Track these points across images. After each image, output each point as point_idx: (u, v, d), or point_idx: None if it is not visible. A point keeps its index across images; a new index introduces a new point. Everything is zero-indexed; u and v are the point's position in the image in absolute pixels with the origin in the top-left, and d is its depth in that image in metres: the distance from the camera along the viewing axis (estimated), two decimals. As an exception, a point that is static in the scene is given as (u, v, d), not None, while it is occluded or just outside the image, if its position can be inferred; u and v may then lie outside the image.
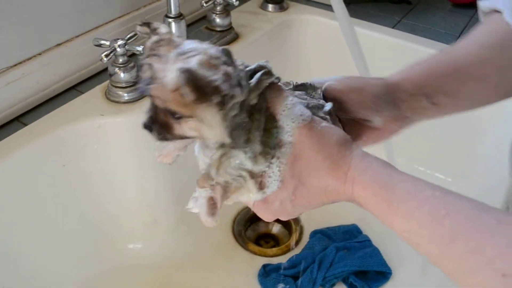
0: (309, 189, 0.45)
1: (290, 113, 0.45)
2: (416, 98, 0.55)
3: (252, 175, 0.45)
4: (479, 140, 1.03)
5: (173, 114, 0.41)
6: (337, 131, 0.46)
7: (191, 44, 0.41)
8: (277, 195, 0.46)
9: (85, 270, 0.89)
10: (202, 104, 0.39)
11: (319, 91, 0.51)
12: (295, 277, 0.91)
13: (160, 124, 0.42)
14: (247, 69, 0.44)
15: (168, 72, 0.39)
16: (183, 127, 0.42)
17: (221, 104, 0.40)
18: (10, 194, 0.77)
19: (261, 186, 0.46)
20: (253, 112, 0.44)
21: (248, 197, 0.46)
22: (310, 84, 0.50)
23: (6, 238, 0.78)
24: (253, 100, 0.43)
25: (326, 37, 1.14)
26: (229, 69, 0.40)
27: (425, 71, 0.56)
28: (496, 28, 0.55)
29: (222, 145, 0.44)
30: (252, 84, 0.43)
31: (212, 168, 0.45)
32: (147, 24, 0.43)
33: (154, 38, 0.42)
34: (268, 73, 0.45)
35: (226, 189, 0.46)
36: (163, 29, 0.42)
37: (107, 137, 0.85)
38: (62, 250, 0.86)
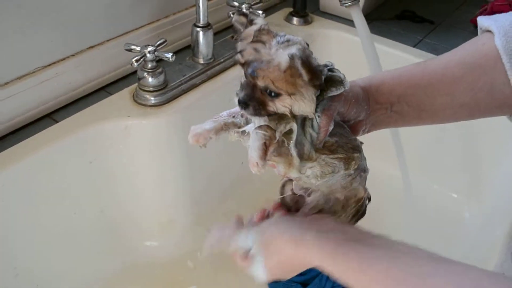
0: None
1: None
2: (381, 106, 0.57)
3: (301, 155, 0.51)
4: (494, 162, 1.05)
5: (271, 93, 0.47)
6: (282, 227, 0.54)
7: (287, 35, 0.48)
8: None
9: (101, 265, 0.92)
10: (309, 84, 0.46)
11: None
12: (304, 284, 0.93)
13: (257, 101, 0.48)
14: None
15: (278, 55, 0.46)
16: (277, 104, 0.48)
17: (319, 86, 0.48)
18: (39, 186, 0.81)
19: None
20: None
21: (285, 170, 0.51)
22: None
23: (30, 229, 0.81)
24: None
25: (348, 52, 1.16)
26: (316, 58, 0.48)
27: (395, 79, 0.58)
28: (481, 49, 0.56)
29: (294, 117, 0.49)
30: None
31: (280, 128, 0.50)
32: (244, 14, 0.50)
33: (256, 26, 0.48)
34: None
35: (278, 147, 0.50)
36: (260, 20, 0.49)
37: (132, 138, 0.88)
38: (81, 244, 0.90)
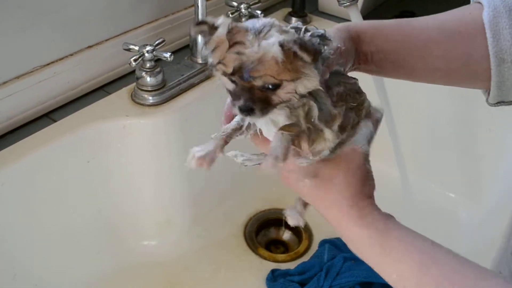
0: (318, 192, 0.50)
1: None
2: (364, 54, 0.56)
3: (327, 122, 0.48)
4: (492, 162, 1.05)
5: (270, 87, 0.44)
6: (369, 176, 0.50)
7: (256, 22, 0.44)
8: (300, 171, 0.49)
9: (99, 264, 0.92)
10: (312, 63, 0.43)
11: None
12: (302, 284, 0.94)
13: (260, 101, 0.44)
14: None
15: (267, 48, 0.42)
16: (280, 94, 0.44)
17: (317, 58, 0.44)
18: (37, 186, 0.81)
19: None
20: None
21: (325, 145, 0.49)
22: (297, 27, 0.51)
23: (28, 228, 0.81)
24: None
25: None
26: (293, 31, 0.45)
27: (376, 31, 0.56)
28: (466, 18, 0.55)
29: (303, 97, 0.46)
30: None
31: (300, 114, 0.47)
32: (203, 22, 0.45)
33: (222, 30, 0.44)
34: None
35: (309, 137, 0.48)
36: (222, 20, 0.44)
37: (130, 138, 0.89)
38: (78, 243, 0.89)
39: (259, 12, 1.04)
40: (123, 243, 0.96)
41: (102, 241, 0.93)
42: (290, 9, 1.23)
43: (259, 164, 0.55)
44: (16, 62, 0.83)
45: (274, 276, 0.96)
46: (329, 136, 0.48)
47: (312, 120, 0.47)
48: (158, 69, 0.89)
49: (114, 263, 0.94)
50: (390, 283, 0.45)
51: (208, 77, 0.98)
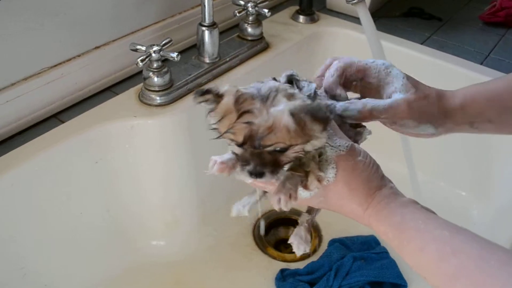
0: (332, 207, 0.51)
1: (330, 141, 0.49)
2: (459, 120, 0.58)
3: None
4: (502, 160, 1.04)
5: (280, 150, 0.44)
6: (368, 169, 0.49)
7: (262, 87, 0.45)
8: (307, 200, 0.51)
9: (108, 264, 0.92)
10: (323, 130, 0.44)
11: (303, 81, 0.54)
12: (312, 283, 0.93)
13: (271, 164, 0.45)
14: (283, 82, 0.49)
15: (277, 117, 0.42)
16: (289, 155, 0.45)
17: (326, 127, 0.45)
18: (45, 186, 0.81)
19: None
20: None
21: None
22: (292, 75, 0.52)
23: (37, 229, 0.82)
24: None
25: (355, 50, 1.15)
26: (298, 92, 0.46)
27: (481, 95, 0.58)
28: None
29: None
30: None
31: (312, 166, 0.48)
32: (207, 92, 0.45)
33: (230, 98, 0.44)
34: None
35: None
36: (226, 88, 0.45)
37: (138, 138, 0.89)
38: (87, 244, 0.90)
39: (266, 10, 1.03)
40: (131, 243, 0.96)
41: (110, 241, 0.93)
42: (297, 7, 1.23)
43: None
44: (24, 63, 0.83)
45: (283, 276, 0.95)
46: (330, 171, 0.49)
47: (326, 161, 0.48)
48: (165, 69, 0.89)
49: (122, 263, 0.94)
50: (414, 269, 0.46)
51: (215, 77, 0.98)
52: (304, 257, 1.01)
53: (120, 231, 0.95)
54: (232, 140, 0.45)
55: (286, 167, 0.47)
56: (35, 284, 0.83)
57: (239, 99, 0.44)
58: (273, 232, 1.07)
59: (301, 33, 1.17)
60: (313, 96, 0.49)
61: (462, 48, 1.15)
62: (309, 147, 0.45)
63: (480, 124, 0.58)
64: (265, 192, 0.59)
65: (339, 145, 0.49)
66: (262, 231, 1.06)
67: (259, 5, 1.04)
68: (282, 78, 0.50)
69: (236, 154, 0.47)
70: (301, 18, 1.21)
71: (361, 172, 0.49)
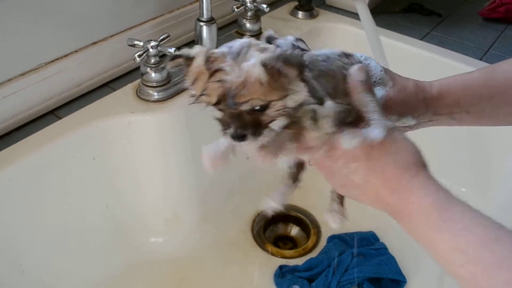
0: (376, 168, 0.47)
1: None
2: (438, 110, 0.57)
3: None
4: (503, 156, 1.03)
5: (259, 108, 0.42)
6: (413, 148, 0.48)
7: (232, 45, 0.43)
8: (348, 157, 0.47)
9: (107, 261, 0.92)
10: (298, 77, 0.41)
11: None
12: (310, 280, 0.93)
13: (251, 125, 0.43)
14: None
15: (249, 71, 0.40)
16: (270, 113, 0.43)
17: (302, 72, 0.42)
18: (43, 183, 0.81)
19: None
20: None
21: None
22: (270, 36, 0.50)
23: (35, 225, 0.81)
24: None
25: (354, 46, 1.14)
26: (272, 46, 0.44)
27: (458, 86, 0.57)
28: None
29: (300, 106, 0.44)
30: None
31: (307, 123, 0.46)
32: (177, 56, 0.44)
33: (200, 60, 0.42)
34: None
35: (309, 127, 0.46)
36: (196, 50, 0.43)
37: (136, 134, 0.88)
38: (86, 241, 0.89)
39: (264, 6, 1.03)
40: (131, 240, 0.96)
41: (110, 238, 0.93)
42: (296, 3, 1.22)
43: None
44: (21, 59, 0.82)
45: (282, 272, 0.95)
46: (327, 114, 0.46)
47: (324, 121, 0.45)
48: (162, 65, 0.88)
49: (122, 260, 0.94)
50: (445, 260, 0.42)
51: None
52: (302, 253, 1.01)
53: (119, 228, 0.94)
54: (208, 102, 0.43)
55: (274, 127, 0.44)
56: (33, 281, 0.82)
57: (210, 59, 0.42)
58: (272, 228, 1.07)
59: (300, 29, 1.17)
60: (292, 48, 0.46)
61: (462, 43, 1.15)
62: (290, 102, 0.43)
63: (458, 115, 0.57)
64: (295, 179, 0.57)
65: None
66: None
67: (257, 0, 1.03)
68: (262, 40, 0.47)
69: (217, 120, 0.45)
70: (300, 13, 1.21)
71: (409, 151, 0.47)
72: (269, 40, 0.47)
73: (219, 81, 0.41)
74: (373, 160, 0.46)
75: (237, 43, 0.43)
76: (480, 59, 1.08)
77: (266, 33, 0.48)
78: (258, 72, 0.40)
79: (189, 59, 0.43)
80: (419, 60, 1.09)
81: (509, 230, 0.41)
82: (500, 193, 1.02)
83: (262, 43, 0.44)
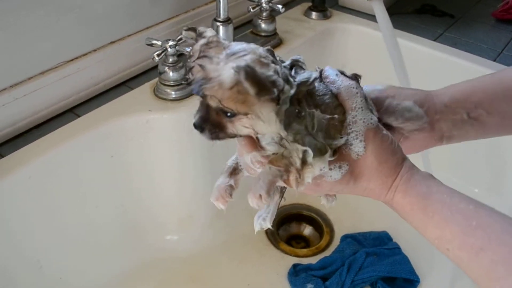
0: (357, 187, 0.49)
1: (362, 114, 0.48)
2: (453, 110, 0.57)
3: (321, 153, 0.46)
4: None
5: (226, 113, 0.42)
6: (393, 141, 0.49)
7: (239, 45, 0.43)
8: (333, 184, 0.49)
9: (122, 258, 0.93)
10: (260, 99, 0.41)
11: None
12: (324, 279, 0.93)
13: (213, 123, 0.43)
14: (284, 64, 0.47)
15: (223, 71, 0.41)
16: (236, 125, 0.43)
17: (277, 99, 0.41)
18: (61, 179, 0.82)
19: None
20: (303, 106, 0.45)
21: (313, 171, 0.47)
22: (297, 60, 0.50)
23: (53, 222, 0.82)
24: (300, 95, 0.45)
25: (367, 47, 1.16)
26: (277, 67, 0.43)
27: (468, 88, 0.57)
28: None
29: (281, 140, 0.45)
30: (300, 80, 0.45)
31: (296, 162, 0.46)
32: (193, 29, 0.45)
33: (203, 40, 0.43)
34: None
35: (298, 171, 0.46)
36: (209, 32, 0.44)
37: (153, 132, 0.89)
38: (101, 238, 0.90)
39: (280, 6, 1.03)
40: (145, 238, 0.97)
41: (124, 236, 0.94)
42: (310, 4, 1.23)
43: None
44: (41, 58, 0.83)
45: (295, 271, 0.96)
46: (319, 164, 0.46)
47: (309, 162, 0.45)
48: (180, 64, 0.89)
49: (136, 258, 0.94)
50: (434, 245, 0.46)
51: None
52: (316, 252, 1.01)
53: (134, 226, 0.95)
54: (187, 79, 0.44)
55: (238, 139, 0.45)
56: (51, 276, 0.83)
57: (211, 44, 0.43)
58: (285, 227, 1.08)
59: (313, 29, 1.17)
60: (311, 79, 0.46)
61: (475, 45, 1.15)
62: (259, 127, 0.43)
63: (476, 113, 0.57)
64: (281, 196, 0.57)
65: (371, 118, 0.48)
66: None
67: (272, 1, 1.04)
68: (287, 61, 0.48)
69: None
70: (314, 14, 1.21)
71: (389, 145, 0.48)
72: (293, 63, 0.47)
73: (200, 65, 0.42)
74: (355, 179, 0.49)
75: (243, 45, 0.44)
76: (494, 60, 1.08)
77: (294, 56, 0.49)
78: (226, 75, 0.40)
79: (199, 36, 0.44)
80: (432, 61, 1.10)
81: (488, 212, 0.44)
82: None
83: (266, 57, 0.43)
